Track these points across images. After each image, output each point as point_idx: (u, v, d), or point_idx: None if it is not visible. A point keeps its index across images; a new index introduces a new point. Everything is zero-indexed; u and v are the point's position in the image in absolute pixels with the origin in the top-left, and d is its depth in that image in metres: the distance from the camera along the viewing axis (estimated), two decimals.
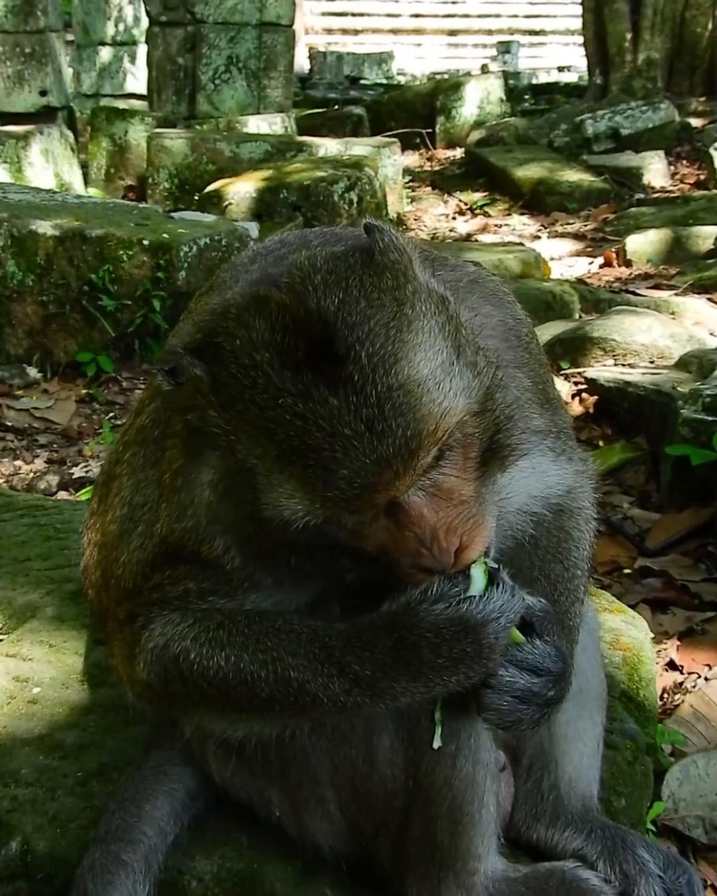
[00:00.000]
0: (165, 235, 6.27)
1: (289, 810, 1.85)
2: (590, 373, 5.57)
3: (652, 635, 3.13)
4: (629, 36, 16.81)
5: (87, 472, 4.97)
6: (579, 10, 18.63)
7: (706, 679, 3.04)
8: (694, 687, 3.02)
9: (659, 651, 3.24)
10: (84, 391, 6.03)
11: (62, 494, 4.79)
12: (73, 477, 5.00)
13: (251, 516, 1.57)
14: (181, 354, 1.53)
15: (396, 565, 1.56)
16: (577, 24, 20.16)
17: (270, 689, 1.65)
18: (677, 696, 3.03)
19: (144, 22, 15.73)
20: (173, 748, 1.95)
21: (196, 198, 10.54)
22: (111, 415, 5.74)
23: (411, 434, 1.43)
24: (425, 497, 1.51)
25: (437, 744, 1.69)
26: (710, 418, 4.23)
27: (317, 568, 1.65)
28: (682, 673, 3.19)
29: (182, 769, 1.95)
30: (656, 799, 2.35)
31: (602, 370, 5.63)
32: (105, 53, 19.75)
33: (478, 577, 1.57)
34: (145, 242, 6.18)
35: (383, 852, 1.81)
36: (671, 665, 3.25)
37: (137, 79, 18.85)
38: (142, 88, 16.60)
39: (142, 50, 17.29)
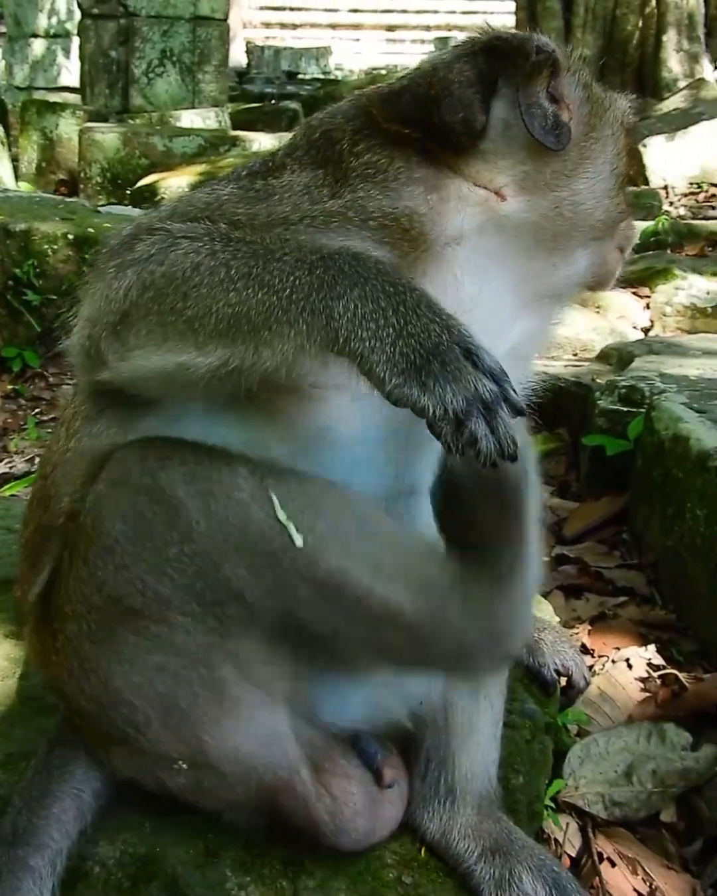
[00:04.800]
0: (91, 230, 6.25)
1: (194, 750, 1.79)
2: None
3: (562, 620, 3.23)
4: (561, 33, 17.01)
5: (11, 467, 4.95)
6: (513, 6, 18.81)
7: (614, 661, 3.13)
8: (603, 669, 3.11)
9: (572, 635, 3.31)
10: (9, 387, 5.99)
11: None
12: None
13: None
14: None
15: None
16: (512, 20, 20.34)
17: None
18: None
19: (78, 14, 15.58)
20: (78, 745, 1.95)
21: (128, 192, 10.50)
22: (37, 410, 5.71)
23: None
24: None
25: (299, 542, 1.64)
26: (625, 409, 4.32)
27: None
28: (593, 656, 3.27)
29: (87, 770, 1.95)
30: (556, 777, 2.42)
31: None
32: (38, 46, 19.55)
33: None
34: (71, 237, 6.15)
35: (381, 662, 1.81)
36: (584, 649, 3.33)
37: (70, 72, 18.68)
38: (76, 82, 16.46)
39: (76, 43, 17.13)
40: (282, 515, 1.64)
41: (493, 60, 1.87)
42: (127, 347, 1.71)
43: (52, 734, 2.04)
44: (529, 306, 1.97)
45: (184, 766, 1.81)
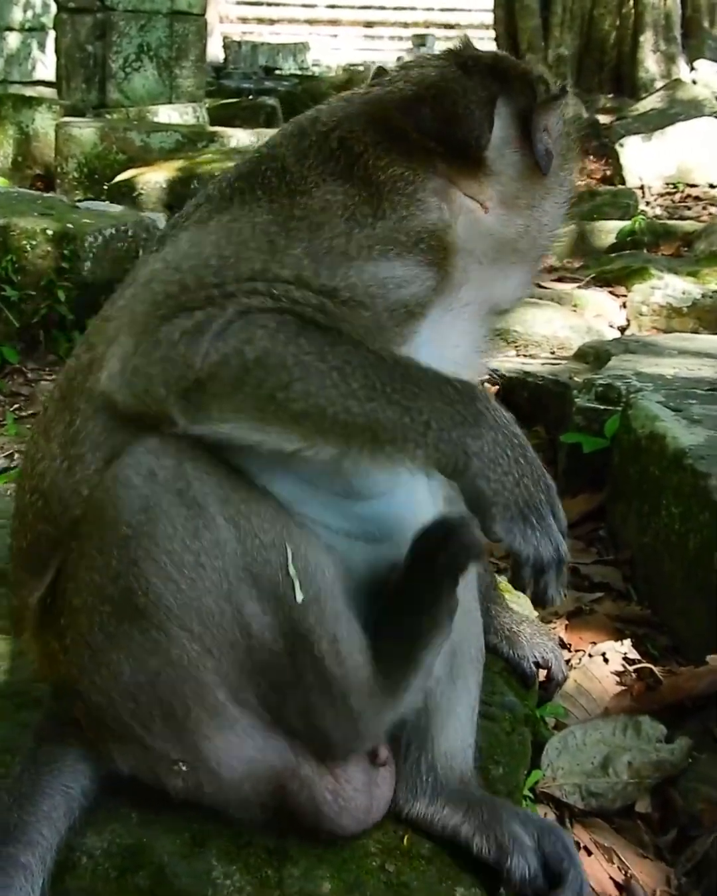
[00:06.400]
0: (70, 225, 6.25)
1: (193, 755, 1.86)
2: (492, 363, 5.70)
3: (540, 614, 3.28)
4: (539, 32, 17.10)
5: None
6: (491, 4, 18.85)
7: (590, 655, 3.18)
8: (579, 663, 3.16)
9: (550, 630, 3.36)
10: None
11: None
12: None
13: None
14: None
15: None
16: (491, 18, 20.40)
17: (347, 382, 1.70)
18: None
19: (54, 8, 15.47)
20: (66, 741, 1.97)
21: (106, 188, 10.46)
22: (16, 406, 5.71)
23: None
24: None
25: (299, 597, 1.76)
26: (602, 407, 4.38)
27: None
28: (570, 651, 3.32)
29: (75, 766, 1.97)
30: (534, 768, 2.46)
31: (504, 361, 5.78)
32: (13, 39, 19.37)
33: None
34: (49, 232, 6.15)
35: (295, 720, 1.85)
36: (561, 643, 3.38)
37: (46, 66, 18.52)
38: (52, 76, 16.34)
39: (52, 36, 17.01)
40: (293, 570, 1.76)
41: (498, 81, 1.98)
42: (206, 416, 1.76)
43: (38, 728, 2.05)
44: (482, 314, 2.08)
45: (184, 767, 1.86)
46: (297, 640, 1.79)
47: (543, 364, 5.64)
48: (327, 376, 1.71)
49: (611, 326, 6.87)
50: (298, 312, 1.76)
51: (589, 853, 2.33)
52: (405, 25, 33.82)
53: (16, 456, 4.97)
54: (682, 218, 10.73)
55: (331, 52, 31.72)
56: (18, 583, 1.99)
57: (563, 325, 6.26)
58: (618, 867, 2.33)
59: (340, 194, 1.87)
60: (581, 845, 2.35)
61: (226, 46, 28.77)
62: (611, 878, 2.30)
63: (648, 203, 11.77)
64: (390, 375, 1.72)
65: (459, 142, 1.93)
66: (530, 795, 2.39)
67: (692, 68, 16.69)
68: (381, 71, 2.18)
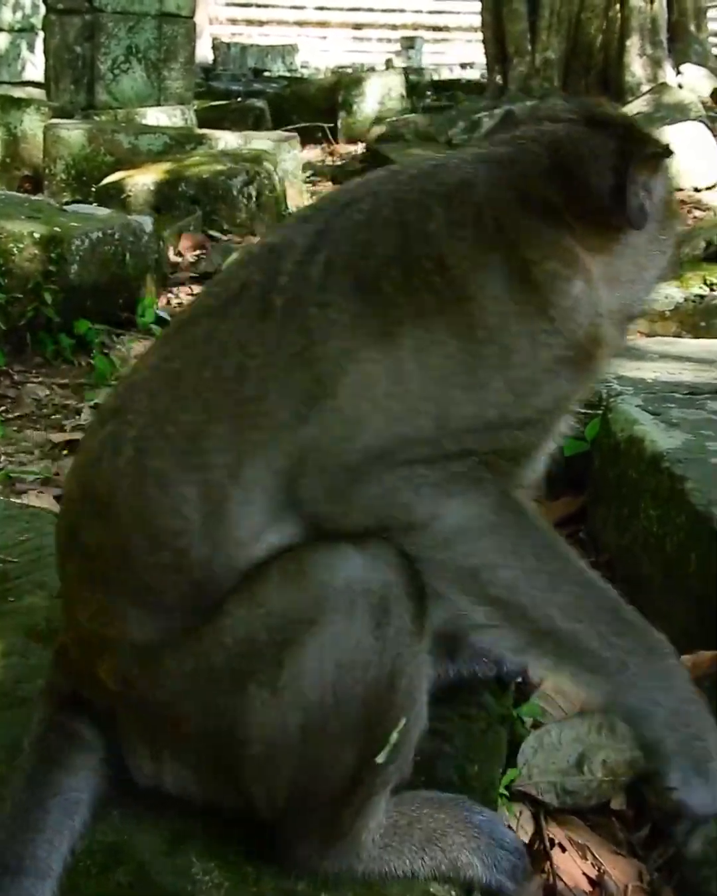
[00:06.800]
0: (57, 229, 6.27)
1: (223, 796, 1.94)
2: None
3: None
4: (526, 36, 17.16)
5: None
6: (478, 7, 18.91)
7: None
8: None
9: None
10: None
11: None
12: None
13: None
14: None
15: None
16: (479, 21, 20.46)
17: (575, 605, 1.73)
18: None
19: (43, 9, 15.47)
20: (64, 762, 1.98)
21: (94, 190, 10.47)
22: (3, 408, 5.72)
23: None
24: None
25: (381, 759, 1.81)
26: (583, 410, 4.40)
27: None
28: None
29: (79, 795, 1.98)
30: (511, 766, 2.51)
31: None
32: (2, 40, 19.40)
33: None
34: (37, 235, 6.16)
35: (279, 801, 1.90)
36: None
37: (36, 67, 18.54)
38: (40, 76, 16.35)
39: (41, 38, 17.02)
40: (396, 736, 1.80)
41: (630, 146, 1.90)
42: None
43: (35, 742, 2.03)
44: None
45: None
46: (347, 781, 1.82)
47: None
48: (537, 577, 1.72)
49: None
50: (557, 545, 1.78)
51: (564, 850, 2.37)
52: (394, 27, 33.91)
53: (3, 457, 4.99)
54: None
55: (320, 54, 31.77)
56: (78, 598, 1.94)
57: None
58: (592, 863, 2.37)
59: (510, 302, 1.78)
60: (556, 842, 2.39)
61: (215, 48, 28.80)
62: (584, 873, 2.34)
63: None
64: (598, 603, 1.75)
65: (602, 216, 1.86)
66: (507, 793, 2.43)
67: (679, 72, 16.75)
68: (510, 116, 2.09)
